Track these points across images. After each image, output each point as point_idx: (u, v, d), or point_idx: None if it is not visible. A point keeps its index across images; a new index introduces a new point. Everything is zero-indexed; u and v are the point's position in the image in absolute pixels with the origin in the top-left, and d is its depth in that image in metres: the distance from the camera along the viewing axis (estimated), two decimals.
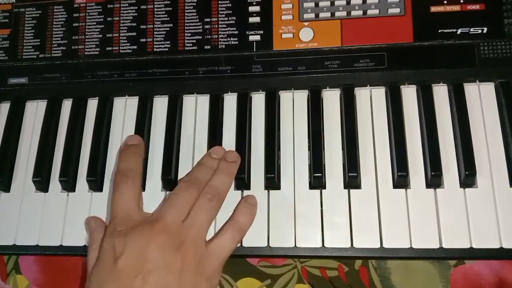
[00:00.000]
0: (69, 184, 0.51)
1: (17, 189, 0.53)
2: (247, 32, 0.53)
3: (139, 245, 0.41)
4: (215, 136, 0.51)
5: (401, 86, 0.50)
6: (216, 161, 0.49)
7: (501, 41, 0.49)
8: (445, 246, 0.44)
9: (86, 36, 0.56)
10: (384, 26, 0.51)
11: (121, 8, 0.56)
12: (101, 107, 0.54)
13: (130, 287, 0.39)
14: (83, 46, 0.56)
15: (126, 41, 0.55)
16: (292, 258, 0.51)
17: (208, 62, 0.53)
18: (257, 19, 0.53)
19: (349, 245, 0.46)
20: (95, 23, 0.56)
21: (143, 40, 0.55)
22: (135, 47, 0.55)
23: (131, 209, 0.45)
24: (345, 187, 0.48)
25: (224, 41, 0.53)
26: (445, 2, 0.50)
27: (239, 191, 0.49)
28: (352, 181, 0.47)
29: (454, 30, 0.50)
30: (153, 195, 0.50)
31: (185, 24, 0.54)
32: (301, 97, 0.52)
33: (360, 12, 0.51)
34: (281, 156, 0.50)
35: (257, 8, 0.53)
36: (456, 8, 0.50)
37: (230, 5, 0.54)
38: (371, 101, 0.51)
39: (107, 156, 0.52)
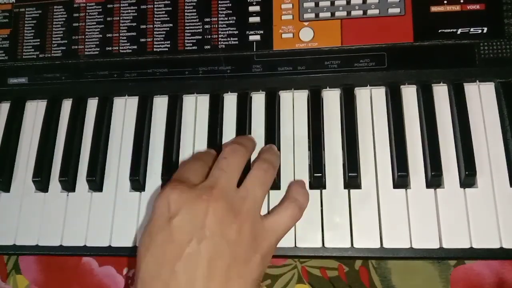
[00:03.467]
0: (69, 184, 0.51)
1: (17, 189, 0.53)
2: (247, 32, 0.53)
3: (196, 209, 0.39)
4: (215, 136, 0.51)
5: (401, 86, 0.50)
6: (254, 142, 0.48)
7: (501, 41, 0.49)
8: (445, 246, 0.44)
9: (86, 36, 0.56)
10: (384, 26, 0.51)
11: (121, 8, 0.56)
12: (101, 107, 0.54)
13: (182, 251, 0.37)
14: (83, 46, 0.56)
15: (126, 41, 0.55)
16: (292, 258, 0.51)
17: (208, 62, 0.53)
18: (257, 19, 0.53)
19: (349, 245, 0.46)
20: (95, 23, 0.56)
21: (143, 40, 0.55)
22: (135, 47, 0.55)
23: (193, 173, 0.43)
24: (345, 187, 0.48)
25: (224, 41, 0.53)
26: (445, 2, 0.50)
27: None
28: (352, 181, 0.47)
29: (454, 30, 0.50)
30: (153, 195, 0.50)
31: (185, 24, 0.54)
32: (301, 97, 0.52)
33: (360, 12, 0.51)
34: (281, 156, 0.50)
35: (257, 8, 0.53)
36: (456, 8, 0.50)
37: (230, 5, 0.54)
38: (371, 101, 0.51)
39: (107, 156, 0.52)
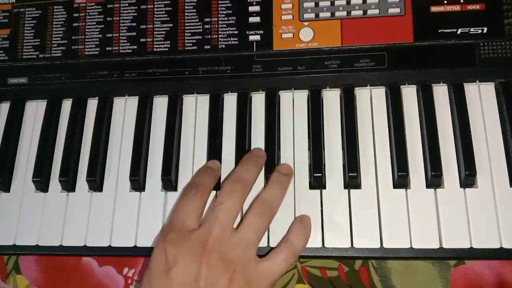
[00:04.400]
0: (69, 184, 0.51)
1: (17, 189, 0.53)
2: (247, 32, 0.53)
3: (191, 261, 0.41)
4: (215, 136, 0.51)
5: (401, 86, 0.50)
6: (262, 160, 0.48)
7: (501, 41, 0.49)
8: (445, 246, 0.44)
9: (86, 36, 0.56)
10: (384, 26, 0.51)
11: (121, 8, 0.56)
12: (101, 107, 0.54)
13: None
14: (83, 46, 0.56)
15: (126, 41, 0.55)
16: None
17: (208, 62, 0.53)
18: (257, 19, 0.53)
19: (349, 245, 0.46)
20: (95, 23, 0.56)
21: (143, 40, 0.55)
22: (135, 47, 0.55)
23: (189, 220, 0.45)
24: (345, 187, 0.48)
25: (224, 41, 0.53)
26: (445, 2, 0.50)
27: None
28: (352, 181, 0.47)
29: (454, 30, 0.50)
30: (153, 195, 0.50)
31: (185, 24, 0.54)
32: (301, 97, 0.52)
33: (360, 12, 0.51)
34: (281, 156, 0.50)
35: (257, 8, 0.53)
36: (456, 8, 0.50)
37: (230, 5, 0.54)
38: (371, 101, 0.51)
39: (107, 156, 0.52)
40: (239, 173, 0.47)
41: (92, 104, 0.55)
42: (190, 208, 0.46)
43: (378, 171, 0.48)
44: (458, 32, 0.50)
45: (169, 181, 0.49)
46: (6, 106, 0.56)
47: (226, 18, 0.54)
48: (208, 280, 0.41)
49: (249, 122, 0.51)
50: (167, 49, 0.54)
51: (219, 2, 0.54)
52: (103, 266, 0.54)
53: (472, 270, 0.48)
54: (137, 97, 0.54)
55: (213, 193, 0.49)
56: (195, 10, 0.54)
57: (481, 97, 0.49)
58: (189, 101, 0.54)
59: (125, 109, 0.54)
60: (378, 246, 0.45)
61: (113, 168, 0.52)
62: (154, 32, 0.55)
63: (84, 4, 0.57)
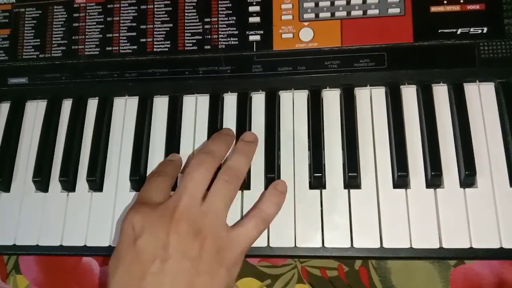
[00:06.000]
0: (69, 184, 0.51)
1: (17, 189, 0.53)
2: (247, 32, 0.53)
3: (158, 230, 0.41)
4: None
5: (401, 86, 0.50)
6: (231, 138, 0.48)
7: (501, 41, 0.49)
8: (445, 246, 0.44)
9: (86, 36, 0.56)
10: (384, 26, 0.51)
11: (121, 8, 0.56)
12: (101, 107, 0.54)
13: (147, 270, 0.39)
14: (83, 46, 0.56)
15: (126, 41, 0.55)
16: (292, 258, 0.51)
17: (208, 62, 0.53)
18: (257, 19, 0.53)
19: (349, 245, 0.46)
20: (95, 23, 0.56)
21: (143, 40, 0.55)
22: (135, 47, 0.55)
23: (157, 195, 0.45)
24: (345, 187, 0.48)
25: (224, 41, 0.53)
26: (445, 2, 0.50)
27: (239, 191, 0.49)
28: (352, 181, 0.47)
29: (454, 30, 0.50)
30: None
31: (185, 24, 0.54)
32: (301, 97, 0.52)
33: (360, 12, 0.51)
34: (281, 156, 0.50)
35: (257, 8, 0.53)
36: (456, 8, 0.50)
37: (230, 5, 0.54)
38: (371, 101, 0.51)
39: (107, 156, 0.52)
40: (208, 146, 0.47)
41: (92, 104, 0.55)
42: (155, 185, 0.46)
43: (378, 171, 0.48)
44: (458, 32, 0.50)
45: None
46: (6, 106, 0.56)
47: (226, 18, 0.54)
48: (177, 248, 0.40)
49: (249, 122, 0.51)
50: (167, 49, 0.54)
51: (219, 2, 0.54)
52: (103, 266, 0.54)
53: (472, 270, 0.48)
54: (137, 97, 0.54)
55: None
56: (195, 10, 0.54)
57: (481, 97, 0.49)
58: (189, 101, 0.54)
59: (125, 109, 0.54)
60: (378, 246, 0.45)
61: (113, 168, 0.52)
62: (154, 32, 0.55)
63: (84, 4, 0.57)
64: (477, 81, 0.50)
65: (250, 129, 0.51)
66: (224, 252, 0.42)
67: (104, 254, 0.50)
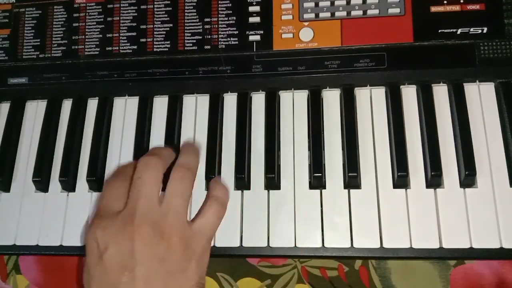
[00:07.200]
0: (69, 184, 0.51)
1: (17, 189, 0.53)
2: (247, 32, 0.53)
3: (122, 241, 0.41)
4: (215, 136, 0.51)
5: (401, 86, 0.50)
6: (172, 149, 0.50)
7: (501, 41, 0.49)
8: (445, 246, 0.44)
9: (86, 36, 0.56)
10: (384, 26, 0.51)
11: (121, 8, 0.56)
12: (101, 107, 0.54)
13: (119, 282, 0.39)
14: (83, 46, 0.56)
15: (126, 41, 0.55)
16: (292, 258, 0.51)
17: (208, 62, 0.53)
18: (257, 19, 0.53)
19: (349, 245, 0.46)
20: (95, 23, 0.56)
21: (143, 40, 0.55)
22: (135, 47, 0.55)
23: (113, 203, 0.44)
24: (345, 187, 0.48)
25: (224, 41, 0.53)
26: (445, 2, 0.50)
27: (239, 191, 0.49)
28: (352, 181, 0.47)
29: (454, 30, 0.50)
30: None
31: (185, 24, 0.54)
32: (301, 97, 0.52)
33: (360, 12, 0.51)
34: (281, 156, 0.50)
35: (257, 8, 0.53)
36: (456, 8, 0.50)
37: (230, 5, 0.54)
38: (371, 101, 0.51)
39: (107, 156, 0.52)
40: (151, 150, 0.49)
41: (92, 104, 0.55)
42: (112, 192, 0.45)
43: (378, 171, 0.48)
44: (458, 32, 0.50)
45: None
46: (6, 106, 0.56)
47: (226, 18, 0.54)
48: (144, 253, 0.40)
49: (249, 122, 0.51)
50: (167, 49, 0.54)
51: (219, 2, 0.54)
52: None
53: (472, 270, 0.48)
54: (137, 97, 0.54)
55: None
56: (195, 10, 0.54)
57: (481, 97, 0.49)
58: (189, 101, 0.54)
59: (125, 109, 0.54)
60: (378, 246, 0.45)
61: (114, 168, 0.52)
62: (154, 32, 0.55)
63: (84, 4, 0.57)
64: (477, 81, 0.50)
65: (250, 129, 0.51)
66: (192, 247, 0.42)
67: None
